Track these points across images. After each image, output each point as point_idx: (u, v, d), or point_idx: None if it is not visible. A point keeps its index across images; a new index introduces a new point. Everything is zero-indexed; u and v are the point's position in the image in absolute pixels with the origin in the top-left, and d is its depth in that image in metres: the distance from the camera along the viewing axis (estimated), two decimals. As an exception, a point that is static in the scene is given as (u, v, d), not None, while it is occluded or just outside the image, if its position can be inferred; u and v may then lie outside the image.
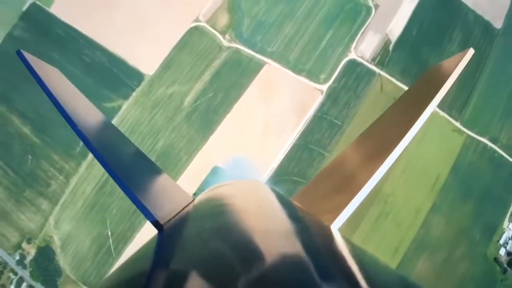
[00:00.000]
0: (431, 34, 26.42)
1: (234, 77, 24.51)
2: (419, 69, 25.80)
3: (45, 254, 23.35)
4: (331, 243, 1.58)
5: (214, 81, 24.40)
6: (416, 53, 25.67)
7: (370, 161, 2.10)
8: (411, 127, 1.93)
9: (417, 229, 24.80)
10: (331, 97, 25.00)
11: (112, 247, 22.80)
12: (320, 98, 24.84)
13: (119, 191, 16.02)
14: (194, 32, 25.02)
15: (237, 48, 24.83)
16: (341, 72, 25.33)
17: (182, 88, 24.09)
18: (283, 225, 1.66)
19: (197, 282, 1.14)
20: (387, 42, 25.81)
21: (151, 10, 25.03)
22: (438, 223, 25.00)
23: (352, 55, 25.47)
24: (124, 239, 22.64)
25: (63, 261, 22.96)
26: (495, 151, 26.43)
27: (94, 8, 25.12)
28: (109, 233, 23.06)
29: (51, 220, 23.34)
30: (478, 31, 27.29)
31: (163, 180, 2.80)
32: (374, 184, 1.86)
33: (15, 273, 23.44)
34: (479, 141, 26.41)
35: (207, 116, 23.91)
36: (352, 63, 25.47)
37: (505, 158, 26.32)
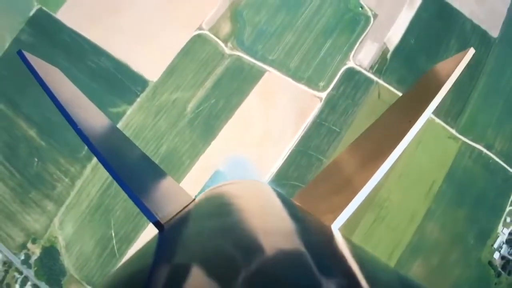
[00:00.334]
0: (429, 43, 28.09)
1: (235, 84, 26.07)
2: (416, 77, 27.17)
3: (50, 254, 24.56)
4: (332, 242, 1.62)
5: (216, 87, 25.96)
6: (413, 62, 27.38)
7: (370, 161, 2.17)
8: (411, 126, 2.02)
9: (412, 233, 26.26)
10: (330, 104, 26.63)
11: (115, 248, 24.15)
12: (319, 105, 26.48)
13: (123, 193, 18.17)
14: (197, 40, 26.59)
15: (238, 56, 26.42)
16: (340, 80, 26.98)
17: (185, 94, 25.64)
18: (285, 224, 1.69)
19: (198, 275, 1.22)
20: (385, 51, 27.55)
21: (155, 18, 26.54)
22: (433, 228, 26.54)
23: (350, 64, 27.15)
24: (127, 240, 24.05)
25: (68, 261, 24.22)
26: (490, 158, 28.03)
27: (100, 15, 26.64)
28: (113, 234, 24.36)
29: (56, 221, 24.63)
30: (475, 40, 29.02)
31: (164, 181, 2.94)
32: (375, 184, 1.95)
33: (20, 272, 24.68)
34: (474, 148, 27.97)
35: (209, 121, 25.41)
36: (351, 71, 27.14)
37: (499, 164, 27.96)
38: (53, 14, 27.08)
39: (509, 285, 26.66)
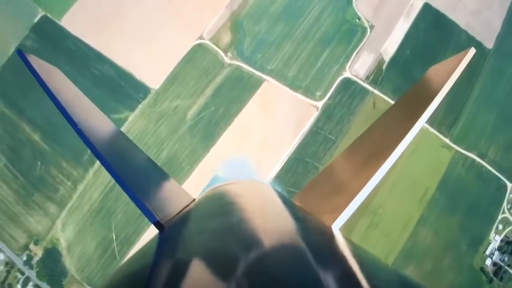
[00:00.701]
0: (424, 53, 29.98)
1: (235, 93, 28.07)
2: (412, 87, 29.20)
3: (52, 255, 26.21)
4: (333, 242, 1.65)
5: (216, 96, 27.95)
6: (408, 72, 29.31)
7: (371, 161, 2.19)
8: (413, 125, 2.07)
9: (406, 239, 28.01)
10: (326, 113, 28.68)
11: (116, 250, 25.89)
12: (315, 114, 28.52)
13: (124, 197, 20.13)
14: (198, 49, 28.63)
15: (238, 65, 28.49)
16: (336, 90, 29.06)
17: (186, 102, 27.64)
18: (286, 224, 1.74)
19: (198, 268, 1.29)
20: (380, 62, 29.60)
21: (157, 27, 28.53)
22: (426, 234, 28.27)
23: (347, 74, 29.26)
24: (128, 243, 25.88)
25: (69, 262, 25.90)
26: (482, 166, 29.87)
27: (103, 23, 28.66)
28: (114, 237, 26.12)
29: (58, 223, 26.34)
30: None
31: (165, 181, 2.99)
32: (376, 183, 1.98)
33: (22, 273, 26.27)
34: (467, 157, 29.88)
35: (209, 128, 27.38)
36: (347, 81, 29.23)
37: (492, 173, 29.79)
38: (57, 21, 28.93)
39: (501, 291, 27.54)
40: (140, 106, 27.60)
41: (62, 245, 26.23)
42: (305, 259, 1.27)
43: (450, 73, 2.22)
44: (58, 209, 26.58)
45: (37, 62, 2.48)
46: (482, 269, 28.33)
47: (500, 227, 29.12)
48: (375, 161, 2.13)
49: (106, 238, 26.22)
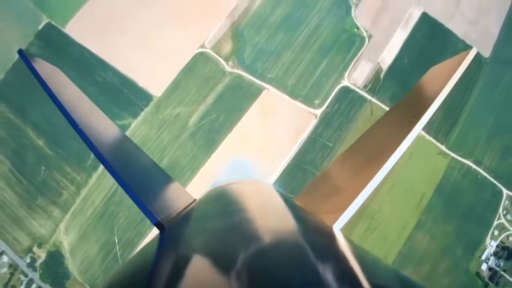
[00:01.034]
0: (422, 62, 31.72)
1: (235, 101, 29.91)
2: (409, 96, 30.91)
3: (55, 258, 27.79)
4: (334, 243, 1.70)
5: (217, 103, 29.76)
6: (406, 81, 31.14)
7: (373, 161, 2.26)
8: (413, 126, 2.14)
9: (403, 243, 29.72)
10: (325, 121, 30.57)
11: (118, 253, 27.53)
12: (314, 122, 30.41)
13: (126, 201, 22.29)
14: (200, 58, 30.49)
15: (239, 73, 30.38)
16: (335, 98, 30.99)
17: (188, 109, 29.46)
18: (288, 223, 1.81)
19: (199, 262, 1.35)
20: (378, 71, 31.60)
21: (160, 36, 30.38)
22: (423, 239, 29.91)
23: (345, 82, 31.22)
24: (130, 246, 27.57)
25: (72, 265, 27.51)
26: (478, 173, 31.63)
27: (106, 31, 30.47)
28: (116, 240, 27.75)
29: (62, 226, 27.94)
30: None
31: (166, 182, 3.14)
32: (377, 183, 2.03)
33: (26, 275, 27.83)
34: (463, 164, 31.64)
35: (210, 135, 29.17)
36: (345, 90, 31.19)
37: (488, 179, 31.55)
38: (62, 29, 30.70)
39: (496, 296, 29.37)
40: (142, 113, 29.35)
41: (65, 248, 27.78)
42: (305, 255, 1.33)
43: (449, 75, 2.31)
44: (61, 212, 28.14)
45: (38, 62, 2.61)
46: (478, 274, 29.83)
47: (496, 232, 30.66)
48: (377, 161, 2.19)
49: (108, 242, 27.78)
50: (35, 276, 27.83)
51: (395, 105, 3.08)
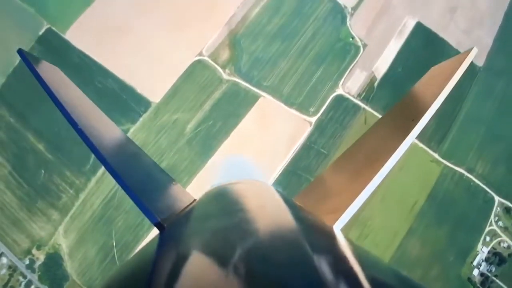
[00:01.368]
0: (416, 71, 33.45)
1: (232, 108, 31.73)
2: (402, 104, 32.51)
3: (54, 260, 29.30)
4: (334, 243, 1.74)
5: (214, 110, 31.58)
6: (399, 90, 33.05)
7: (373, 160, 2.35)
8: (416, 123, 2.21)
9: (395, 249, 31.26)
10: (319, 128, 32.44)
11: (116, 256, 29.13)
12: (309, 129, 32.27)
13: (124, 206, 24.14)
14: (198, 65, 32.39)
15: (235, 81, 32.24)
16: (329, 106, 32.88)
17: (185, 116, 31.30)
18: (288, 223, 1.81)
19: (197, 258, 1.42)
20: (372, 79, 33.62)
21: (159, 43, 32.29)
22: (415, 245, 31.47)
23: (339, 91, 33.17)
24: (128, 249, 29.28)
25: (71, 267, 29.03)
26: (471, 180, 33.30)
27: (106, 38, 32.35)
28: (114, 244, 29.34)
29: (61, 229, 29.51)
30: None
31: (165, 182, 3.28)
32: (378, 182, 2.10)
33: (24, 276, 29.30)
34: (456, 171, 33.37)
35: (207, 141, 30.92)
36: (340, 98, 33.12)
37: (480, 187, 33.21)
38: (62, 35, 32.49)
39: (488, 301, 31.08)
40: (141, 118, 31.13)
41: (64, 250, 29.28)
42: (304, 253, 1.38)
43: (449, 75, 2.35)
44: (60, 216, 29.71)
45: (37, 61, 2.63)
46: (470, 279, 31.24)
47: (488, 239, 32.11)
48: (377, 161, 2.24)
49: (106, 244, 29.35)
50: (34, 277, 29.22)
51: (395, 106, 3.18)
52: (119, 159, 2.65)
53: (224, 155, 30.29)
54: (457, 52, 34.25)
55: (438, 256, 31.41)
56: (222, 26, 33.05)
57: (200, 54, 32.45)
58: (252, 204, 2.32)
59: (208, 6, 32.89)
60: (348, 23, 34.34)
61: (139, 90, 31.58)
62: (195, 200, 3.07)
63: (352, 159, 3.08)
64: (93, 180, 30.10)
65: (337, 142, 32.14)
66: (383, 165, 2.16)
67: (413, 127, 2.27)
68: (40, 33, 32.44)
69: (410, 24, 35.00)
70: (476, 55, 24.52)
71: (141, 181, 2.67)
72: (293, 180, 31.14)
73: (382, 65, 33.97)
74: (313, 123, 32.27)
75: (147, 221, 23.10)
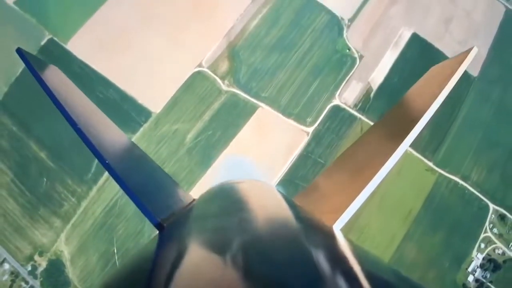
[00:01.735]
0: (411, 82, 32.83)
1: (231, 118, 33.77)
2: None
3: (56, 266, 30.99)
4: (334, 243, 1.78)
5: (213, 120, 33.57)
6: (395, 100, 32.81)
7: (374, 159, 2.44)
8: (416, 123, 2.31)
9: (391, 255, 32.98)
10: (316, 139, 34.51)
11: (117, 263, 30.90)
12: (306, 139, 34.29)
13: (126, 213, 26.36)
14: (197, 76, 34.50)
15: (234, 92, 34.32)
16: (326, 116, 35.01)
17: (185, 126, 33.33)
18: (288, 220, 1.88)
19: (196, 250, 1.48)
20: (369, 90, 35.86)
21: (159, 55, 34.46)
22: (411, 251, 33.24)
23: (336, 101, 35.35)
24: (128, 256, 30.21)
25: (72, 273, 30.75)
26: (465, 188, 35.23)
27: (108, 49, 34.46)
28: (115, 251, 31.11)
29: (63, 236, 31.26)
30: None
31: (166, 183, 3.38)
32: (378, 182, 2.17)
33: (27, 282, 30.99)
34: (451, 179, 35.32)
35: (206, 151, 32.86)
36: (336, 109, 35.29)
37: (475, 194, 35.12)
38: (64, 45, 34.52)
39: (483, 307, 32.87)
40: (142, 128, 33.12)
41: (66, 256, 30.98)
42: (305, 250, 1.41)
43: (449, 76, 2.49)
44: (62, 223, 31.42)
45: (36, 61, 2.79)
46: (465, 285, 32.87)
47: (482, 245, 33.78)
48: (377, 160, 2.36)
49: (108, 251, 31.09)
50: (36, 283, 30.89)
51: (394, 106, 3.24)
52: (120, 160, 2.76)
53: (223, 165, 32.22)
54: (452, 63, 36.26)
55: (434, 262, 33.07)
56: (221, 38, 35.20)
57: (200, 65, 34.49)
58: (254, 203, 2.40)
59: (207, 19, 35.36)
60: (344, 35, 36.58)
61: (140, 100, 33.46)
62: (194, 200, 3.17)
63: (352, 158, 3.28)
64: (95, 188, 31.85)
65: (334, 152, 34.14)
66: (383, 165, 2.26)
67: (413, 127, 2.36)
68: (42, 43, 34.44)
69: (406, 35, 37.41)
70: (471, 65, 26.98)
71: (141, 182, 2.77)
72: (290, 189, 32.84)
73: (378, 76, 36.19)
74: (310, 133, 34.27)
75: (147, 229, 25.62)
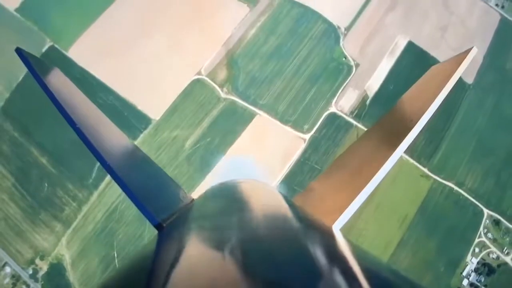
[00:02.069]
0: (407, 89, 35.60)
1: (229, 125, 35.67)
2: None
3: (57, 270, 32.53)
4: (333, 243, 1.81)
5: (212, 127, 35.42)
6: (391, 107, 34.85)
7: (374, 159, 2.49)
8: (416, 123, 2.34)
9: (387, 260, 34.29)
10: (313, 145, 36.41)
11: (117, 267, 32.59)
12: (303, 146, 36.16)
13: (126, 218, 28.67)
14: (196, 84, 36.48)
15: (233, 99, 36.26)
16: (322, 124, 36.97)
17: (184, 133, 35.29)
18: (288, 218, 1.99)
19: (194, 248, 1.52)
20: (364, 97, 38.03)
21: (159, 62, 36.55)
22: (406, 255, 34.72)
23: (332, 109, 37.38)
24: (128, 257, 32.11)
25: (73, 277, 32.32)
26: (460, 194, 36.83)
27: (108, 56, 36.50)
28: (116, 255, 32.70)
29: (64, 240, 32.91)
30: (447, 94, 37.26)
31: (166, 183, 3.51)
32: (378, 182, 2.20)
33: (28, 285, 32.54)
34: (446, 185, 36.94)
35: (205, 157, 34.67)
36: (333, 116, 37.33)
37: (469, 200, 36.66)
38: (65, 52, 36.56)
39: (477, 310, 34.52)
40: (142, 135, 35.04)
41: (67, 260, 32.48)
42: (305, 248, 1.46)
43: (449, 76, 2.50)
44: (63, 227, 33.03)
45: (36, 61, 2.87)
46: None
47: (477, 250, 35.20)
48: (380, 157, 2.39)
49: (108, 256, 32.67)
50: (37, 287, 32.36)
51: (394, 107, 3.32)
52: (120, 160, 2.81)
53: (222, 171, 33.86)
54: (447, 70, 37.80)
55: (429, 266, 34.47)
56: (220, 46, 37.26)
57: (199, 73, 36.44)
58: (254, 203, 2.49)
59: (206, 28, 37.61)
60: (341, 43, 38.65)
61: (140, 107, 35.33)
62: (193, 200, 3.25)
63: (352, 159, 3.35)
64: (95, 193, 33.59)
65: (330, 158, 35.95)
66: (383, 164, 2.32)
67: (413, 127, 2.40)
68: (43, 50, 36.40)
69: (402, 43, 39.60)
70: (466, 72, 29.16)
71: (142, 182, 2.84)
72: (288, 195, 32.28)
73: (374, 84, 38.17)
74: (307, 140, 36.13)
75: (147, 233, 28.22)
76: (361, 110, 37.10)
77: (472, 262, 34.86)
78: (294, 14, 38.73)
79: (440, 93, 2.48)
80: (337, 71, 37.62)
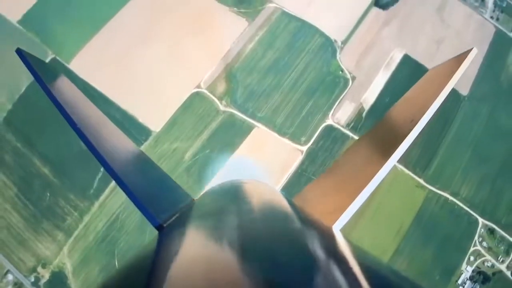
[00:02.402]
0: None
1: (228, 137, 37.17)
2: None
3: (58, 278, 34.01)
4: (334, 244, 1.88)
5: (211, 139, 36.93)
6: None
7: (374, 158, 2.55)
8: (416, 123, 2.41)
9: None
10: (310, 157, 37.92)
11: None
12: (300, 157, 37.64)
13: (127, 227, 31.40)
14: (196, 97, 38.11)
15: (231, 112, 37.75)
16: (319, 136, 38.51)
17: (184, 145, 36.91)
18: (288, 218, 2.03)
19: (193, 245, 1.55)
20: (361, 110, 39.94)
21: (160, 75, 38.38)
22: (402, 264, 35.06)
23: (329, 121, 39.01)
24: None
25: (74, 285, 33.83)
26: (455, 204, 37.99)
27: (109, 69, 38.23)
28: (117, 263, 34.20)
29: (65, 249, 34.39)
30: (446, 99, 38.63)
31: (164, 183, 3.62)
32: (379, 181, 2.26)
33: None
34: (441, 195, 38.21)
35: (204, 169, 36.21)
36: (329, 128, 38.92)
37: (464, 209, 37.75)
38: (67, 65, 38.19)
39: (472, 318, 36.37)
40: (142, 147, 36.32)
41: (68, 269, 33.80)
42: (304, 244, 1.52)
43: (448, 77, 2.59)
44: (65, 236, 34.40)
45: (36, 61, 2.92)
46: None
47: (472, 258, 36.05)
48: (380, 156, 2.46)
49: (109, 264, 33.98)
50: None
51: (393, 107, 3.51)
52: (121, 162, 2.91)
53: (220, 182, 34.33)
54: (442, 82, 39.51)
55: (425, 275, 35.46)
56: (219, 60, 39.01)
57: (198, 86, 38.00)
58: (256, 202, 2.52)
59: (205, 42, 39.61)
60: (338, 57, 40.52)
61: (141, 119, 36.84)
62: (194, 200, 3.40)
63: (352, 158, 3.48)
64: (97, 203, 35.03)
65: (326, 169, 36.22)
66: (383, 164, 2.37)
67: (413, 127, 2.49)
68: (46, 62, 36.40)
69: (398, 56, 41.46)
70: (461, 84, 32.60)
71: (142, 183, 2.94)
72: None
73: (370, 96, 39.84)
74: (304, 152, 37.59)
75: (148, 241, 29.58)
76: (357, 123, 38.57)
77: (467, 270, 35.65)
78: (292, 28, 40.63)
79: (441, 92, 2.65)
80: (334, 84, 39.25)
